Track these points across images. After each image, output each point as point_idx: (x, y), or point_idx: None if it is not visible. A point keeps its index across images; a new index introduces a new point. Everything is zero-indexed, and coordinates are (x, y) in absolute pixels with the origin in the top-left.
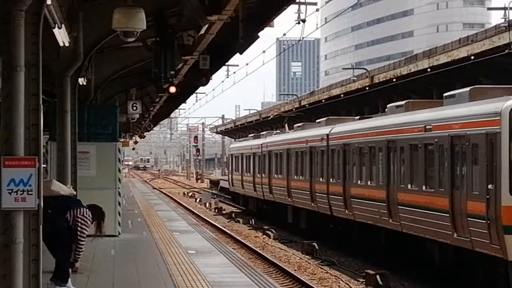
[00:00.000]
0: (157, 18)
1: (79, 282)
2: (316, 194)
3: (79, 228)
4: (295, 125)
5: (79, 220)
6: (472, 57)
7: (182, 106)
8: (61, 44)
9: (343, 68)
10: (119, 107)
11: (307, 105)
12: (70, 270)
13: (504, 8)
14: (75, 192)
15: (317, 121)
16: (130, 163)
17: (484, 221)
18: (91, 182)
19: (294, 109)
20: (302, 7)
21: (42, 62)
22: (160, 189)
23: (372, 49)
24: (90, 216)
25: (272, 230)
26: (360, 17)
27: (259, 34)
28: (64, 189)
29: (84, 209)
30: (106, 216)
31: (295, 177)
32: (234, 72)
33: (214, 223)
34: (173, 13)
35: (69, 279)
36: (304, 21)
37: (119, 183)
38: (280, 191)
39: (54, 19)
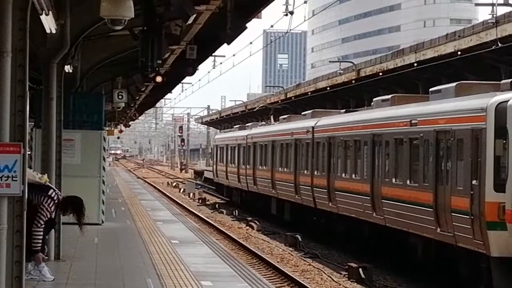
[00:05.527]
0: (145, 6)
1: (61, 269)
2: (301, 186)
3: (37, 214)
4: (280, 117)
5: (40, 207)
6: (459, 53)
7: (168, 96)
8: (48, 31)
9: (330, 61)
10: (105, 96)
11: (293, 98)
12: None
13: (492, 4)
14: (43, 182)
15: (302, 113)
16: (118, 151)
17: (467, 217)
18: (76, 170)
19: (280, 101)
20: None
21: (29, 49)
22: (144, 179)
23: (359, 43)
24: (51, 207)
25: (256, 221)
26: (347, 10)
27: (247, 25)
28: (30, 177)
29: (46, 198)
30: (85, 208)
31: (280, 169)
32: (221, 63)
33: (198, 214)
34: (161, 2)
35: (45, 267)
36: (292, 13)
37: (103, 171)
38: (265, 183)
39: (42, 6)
